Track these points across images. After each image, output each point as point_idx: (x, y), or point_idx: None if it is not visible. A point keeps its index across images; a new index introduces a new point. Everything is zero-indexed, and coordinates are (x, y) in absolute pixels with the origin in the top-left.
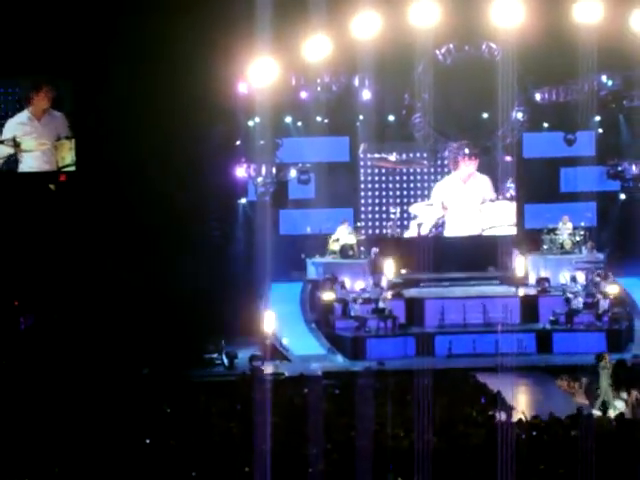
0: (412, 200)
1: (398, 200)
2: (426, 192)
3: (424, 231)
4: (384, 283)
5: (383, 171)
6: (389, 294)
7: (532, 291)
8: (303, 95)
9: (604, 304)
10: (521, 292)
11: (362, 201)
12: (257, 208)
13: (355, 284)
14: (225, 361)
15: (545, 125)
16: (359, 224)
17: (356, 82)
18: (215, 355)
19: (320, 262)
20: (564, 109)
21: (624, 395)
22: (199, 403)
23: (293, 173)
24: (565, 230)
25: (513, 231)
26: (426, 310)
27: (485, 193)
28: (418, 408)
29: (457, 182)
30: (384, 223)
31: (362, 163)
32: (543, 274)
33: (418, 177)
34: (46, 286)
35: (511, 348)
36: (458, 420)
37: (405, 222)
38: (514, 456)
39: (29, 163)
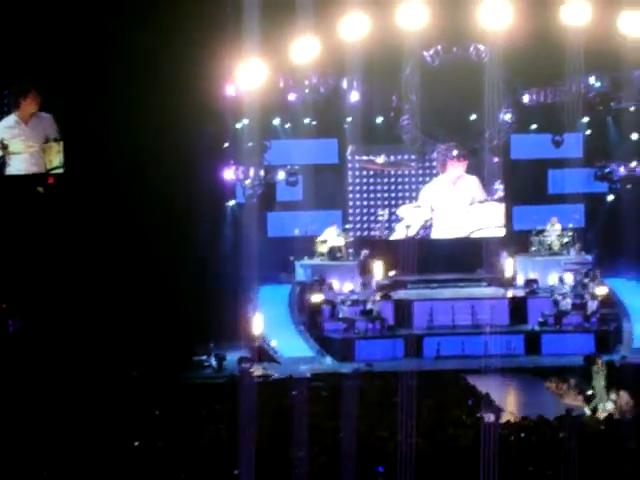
0: (400, 202)
1: (386, 202)
2: (414, 194)
3: (412, 233)
4: (372, 285)
5: (371, 173)
6: (377, 296)
7: (520, 292)
8: (291, 97)
9: (592, 305)
10: (509, 293)
11: (350, 203)
12: (245, 210)
13: (343, 286)
14: (214, 363)
15: (533, 127)
16: (347, 226)
17: (344, 84)
18: (204, 357)
19: (308, 264)
20: (552, 111)
21: (613, 396)
22: (188, 405)
23: (281, 175)
24: (553, 231)
25: (502, 232)
26: (414, 312)
27: (474, 194)
28: (407, 410)
29: (446, 184)
30: (372, 225)
31: (350, 165)
32: (531, 275)
33: (406, 179)
34: (34, 289)
35: (500, 349)
36: (447, 422)
37: (393, 224)
38: (503, 457)
39: (17, 166)
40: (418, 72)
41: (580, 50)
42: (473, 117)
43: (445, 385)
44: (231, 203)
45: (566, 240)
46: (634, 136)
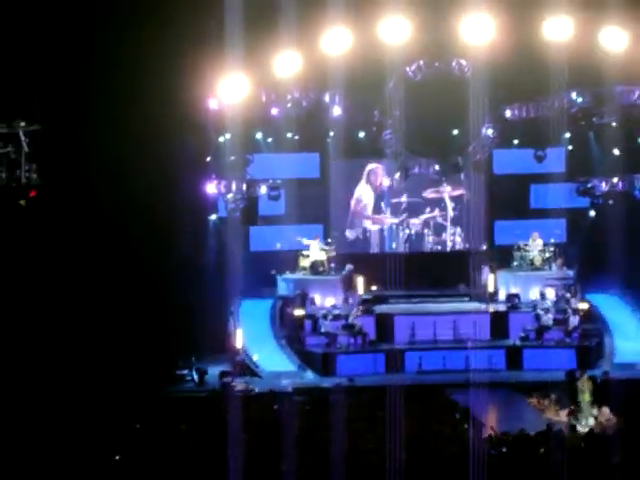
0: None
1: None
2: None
3: (394, 247)
4: (354, 299)
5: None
6: (359, 310)
7: (502, 307)
8: (274, 111)
9: (574, 320)
10: (491, 308)
11: (332, 217)
12: (227, 224)
13: (326, 300)
14: (195, 377)
15: (515, 142)
16: (329, 240)
17: (326, 98)
18: (185, 371)
19: (290, 278)
20: (534, 126)
21: (594, 411)
22: (169, 419)
23: (263, 189)
24: (535, 246)
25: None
26: (396, 326)
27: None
28: (388, 424)
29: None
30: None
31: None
32: (513, 290)
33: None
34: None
35: (481, 364)
36: (428, 436)
37: (373, 238)
38: (484, 472)
39: None
40: (401, 87)
41: (562, 65)
42: (455, 132)
43: (426, 400)
44: (213, 217)
45: (548, 255)
46: (616, 151)
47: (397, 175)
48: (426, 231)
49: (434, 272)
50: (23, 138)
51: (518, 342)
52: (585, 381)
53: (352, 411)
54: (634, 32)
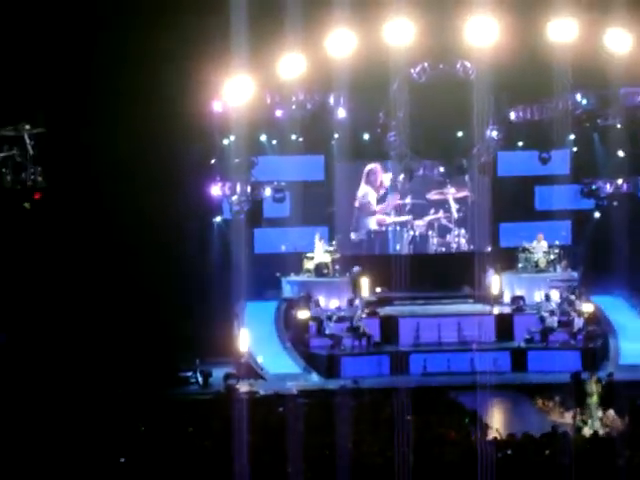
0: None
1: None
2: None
3: (398, 248)
4: (359, 301)
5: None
6: (364, 312)
7: (507, 309)
8: (278, 113)
9: (579, 322)
10: (496, 310)
11: (337, 219)
12: (232, 227)
13: (330, 302)
14: (200, 380)
15: (520, 144)
16: (334, 242)
17: (331, 100)
18: (190, 374)
19: (295, 281)
20: (539, 128)
21: (599, 413)
22: (174, 422)
23: (268, 191)
24: (540, 248)
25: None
26: (401, 328)
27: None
28: (393, 426)
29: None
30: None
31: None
32: (518, 292)
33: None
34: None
35: (486, 366)
36: (433, 439)
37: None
38: (489, 474)
39: None
40: (405, 89)
41: (567, 67)
42: (460, 134)
43: (431, 402)
44: (218, 219)
45: (552, 257)
46: (620, 153)
47: (401, 177)
48: (430, 233)
49: (438, 274)
50: (28, 141)
51: (523, 344)
52: (594, 383)
53: (357, 413)
54: (638, 34)
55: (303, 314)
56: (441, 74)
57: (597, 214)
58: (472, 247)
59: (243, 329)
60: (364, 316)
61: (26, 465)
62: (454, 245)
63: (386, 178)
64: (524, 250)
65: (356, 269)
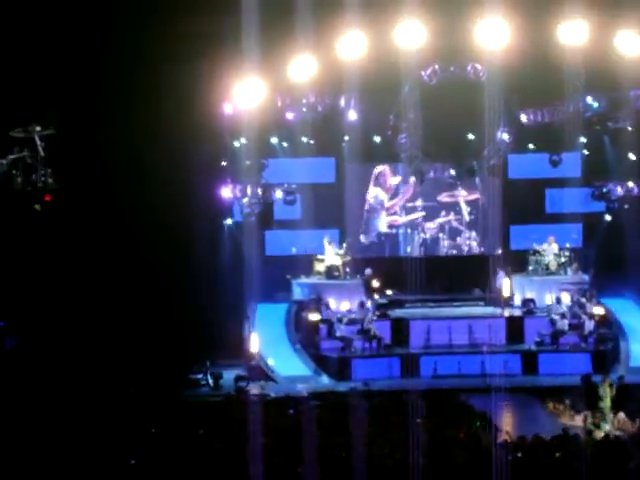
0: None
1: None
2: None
3: (409, 251)
4: (369, 304)
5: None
6: (374, 315)
7: (517, 312)
8: (289, 116)
9: (589, 325)
10: (506, 313)
11: (347, 222)
12: (243, 229)
13: (341, 305)
14: (210, 382)
15: (530, 146)
16: (344, 245)
17: (342, 102)
18: (200, 376)
19: (305, 283)
20: (549, 130)
21: (610, 417)
22: (184, 424)
23: (279, 194)
24: (550, 251)
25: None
26: (411, 331)
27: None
28: (403, 429)
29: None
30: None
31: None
32: (528, 295)
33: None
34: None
35: (496, 369)
36: (443, 441)
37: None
38: (499, 477)
39: None
40: (416, 91)
41: (577, 70)
42: (470, 136)
43: (442, 404)
44: (229, 221)
45: (563, 260)
46: (631, 156)
47: (412, 179)
48: (441, 235)
49: (449, 276)
50: (39, 143)
51: (533, 347)
52: (606, 387)
53: (367, 415)
54: None
55: (314, 316)
56: (452, 76)
57: (608, 217)
58: (483, 249)
59: (254, 331)
60: (375, 318)
61: (37, 466)
62: (465, 247)
63: (394, 181)
64: (535, 253)
65: (368, 271)
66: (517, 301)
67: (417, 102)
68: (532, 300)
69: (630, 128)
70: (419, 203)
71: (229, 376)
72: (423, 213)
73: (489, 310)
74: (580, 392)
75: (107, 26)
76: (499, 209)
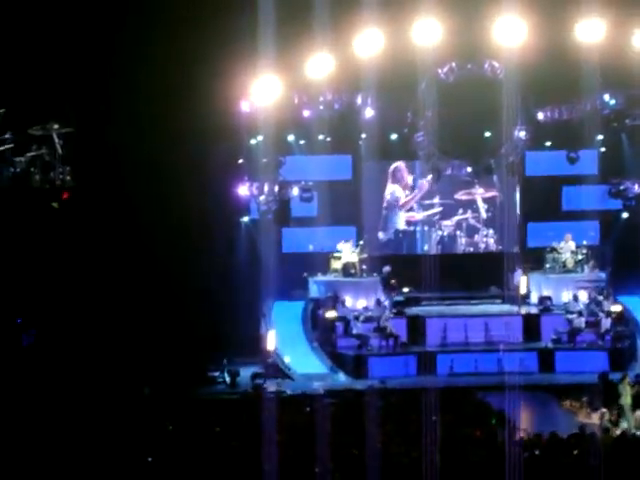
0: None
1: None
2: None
3: (426, 248)
4: (387, 301)
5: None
6: (391, 312)
7: (534, 310)
8: (306, 113)
9: (606, 323)
10: (523, 311)
11: (364, 219)
12: (260, 226)
13: (357, 302)
14: (227, 379)
15: (548, 143)
16: (361, 242)
17: (359, 100)
18: (217, 373)
19: (322, 280)
20: (567, 128)
21: (629, 415)
22: (201, 421)
23: (295, 191)
24: (567, 249)
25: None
26: (428, 329)
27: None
28: (420, 427)
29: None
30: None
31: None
32: (545, 293)
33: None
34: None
35: (513, 367)
36: (459, 439)
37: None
38: (517, 475)
39: None
40: (433, 88)
41: (595, 67)
42: (488, 134)
43: (458, 402)
44: (245, 219)
45: (580, 257)
46: None
47: (429, 177)
48: (458, 233)
49: (466, 274)
50: (57, 140)
51: (550, 344)
52: (626, 384)
53: (384, 413)
54: None
55: (330, 314)
56: (469, 74)
57: (625, 214)
58: (500, 247)
59: (270, 329)
60: (391, 316)
61: (54, 463)
62: (482, 245)
63: (410, 179)
64: (552, 250)
65: (387, 269)
66: (534, 299)
67: (434, 100)
68: (549, 298)
69: None
70: (436, 201)
71: (246, 374)
72: (440, 208)
73: (506, 308)
74: (597, 390)
75: (125, 25)
76: (516, 207)
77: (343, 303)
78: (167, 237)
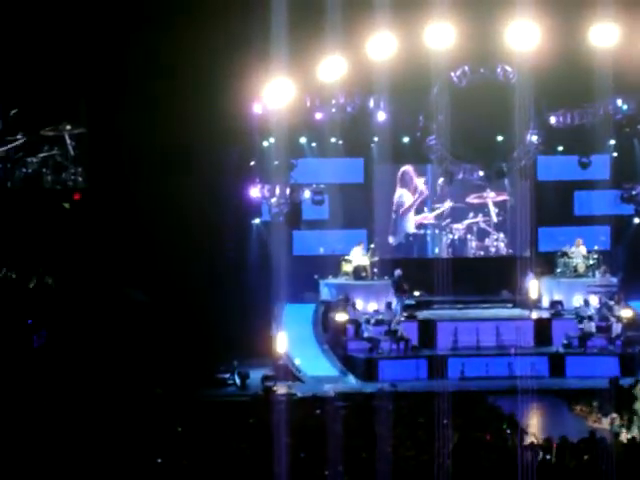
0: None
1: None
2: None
3: (436, 252)
4: (398, 305)
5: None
6: (402, 316)
7: (545, 314)
8: (318, 116)
9: (617, 328)
10: (534, 315)
11: (376, 222)
12: (271, 228)
13: (368, 305)
14: (237, 381)
15: (560, 148)
16: (372, 246)
17: (371, 103)
18: (227, 375)
19: (333, 283)
20: (579, 132)
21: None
22: (211, 423)
23: (307, 194)
24: (579, 253)
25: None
26: (439, 332)
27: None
28: (430, 430)
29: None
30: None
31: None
32: (556, 297)
33: (433, 198)
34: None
35: (524, 371)
36: (470, 443)
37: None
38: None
39: None
40: (445, 92)
41: (608, 72)
42: (500, 138)
43: (469, 406)
44: (257, 221)
45: (591, 262)
46: None
47: (441, 180)
48: (469, 236)
49: (477, 278)
50: (69, 141)
51: (561, 349)
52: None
53: (394, 417)
54: None
55: (341, 317)
56: (482, 78)
57: (636, 219)
58: (511, 251)
59: (281, 331)
60: (402, 319)
61: (64, 463)
62: (493, 249)
63: (419, 182)
64: (563, 255)
65: (398, 272)
66: (545, 303)
67: (446, 103)
68: (560, 302)
69: None
70: (447, 204)
71: (256, 376)
72: (451, 204)
73: (517, 312)
74: (608, 395)
75: (138, 27)
76: (528, 211)
77: (354, 306)
78: (179, 239)
